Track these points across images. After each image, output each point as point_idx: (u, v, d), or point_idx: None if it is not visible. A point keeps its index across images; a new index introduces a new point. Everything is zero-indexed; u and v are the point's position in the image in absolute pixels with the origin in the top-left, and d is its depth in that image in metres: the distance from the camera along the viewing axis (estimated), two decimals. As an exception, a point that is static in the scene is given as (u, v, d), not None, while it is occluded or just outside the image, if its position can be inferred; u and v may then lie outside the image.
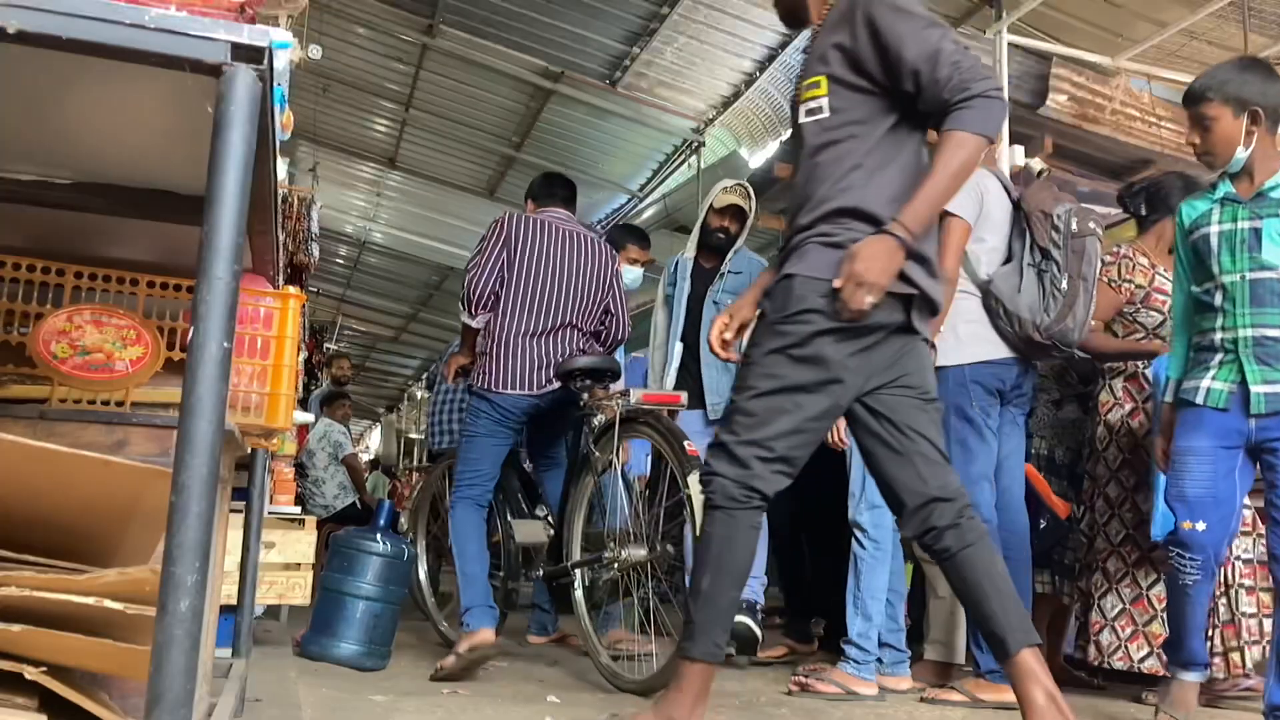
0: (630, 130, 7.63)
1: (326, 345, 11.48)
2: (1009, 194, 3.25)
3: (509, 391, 3.35)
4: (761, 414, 2.07)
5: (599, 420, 3.19)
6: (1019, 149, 4.92)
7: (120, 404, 1.54)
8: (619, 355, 4.04)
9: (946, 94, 1.99)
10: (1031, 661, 1.96)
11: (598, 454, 3.18)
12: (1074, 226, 3.07)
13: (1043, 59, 5.60)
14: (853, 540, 3.26)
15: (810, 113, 2.15)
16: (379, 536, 3.33)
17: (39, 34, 0.95)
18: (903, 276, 2.02)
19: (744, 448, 2.07)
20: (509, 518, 3.58)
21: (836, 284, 1.99)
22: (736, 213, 4.10)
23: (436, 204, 9.65)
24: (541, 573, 3.42)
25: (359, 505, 6.68)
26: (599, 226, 9.16)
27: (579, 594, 3.24)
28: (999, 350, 3.12)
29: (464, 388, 4.18)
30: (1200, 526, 2.57)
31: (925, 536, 2.10)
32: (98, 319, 1.57)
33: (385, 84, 7.78)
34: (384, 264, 11.96)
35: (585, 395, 3.25)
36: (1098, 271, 3.13)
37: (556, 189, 3.74)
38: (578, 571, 3.24)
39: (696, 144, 7.49)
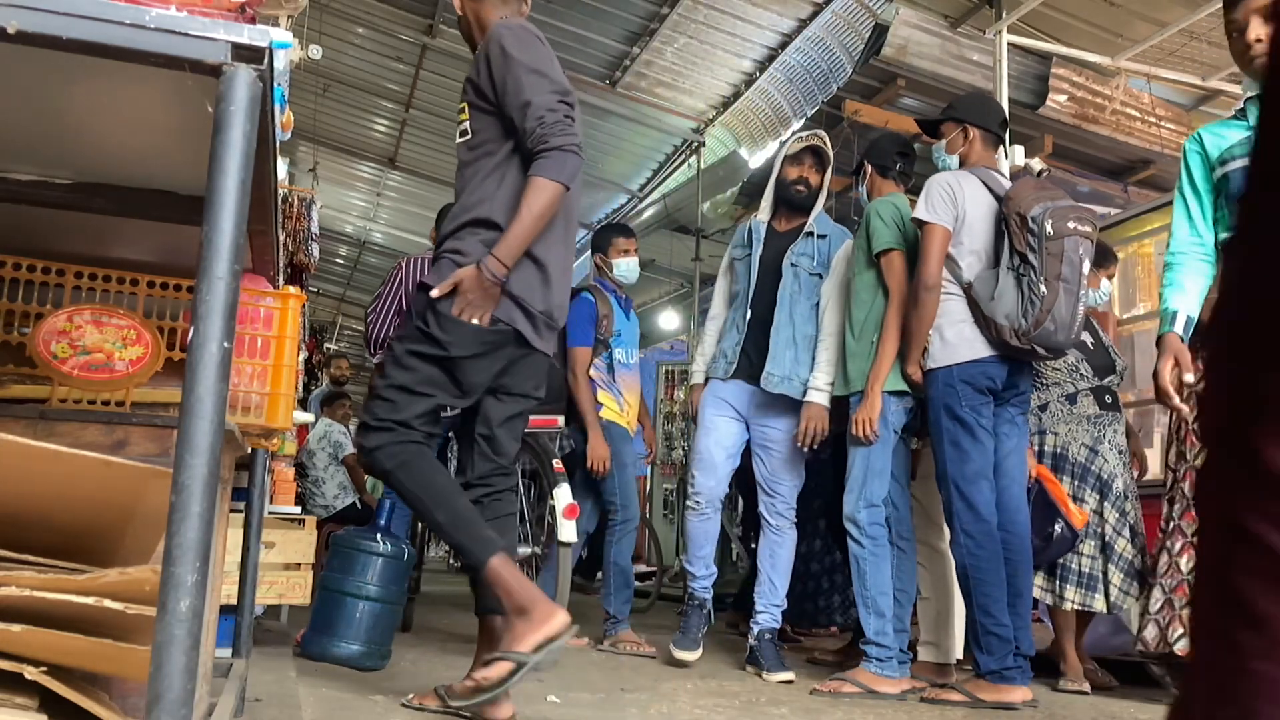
0: (630, 130, 7.62)
1: (326, 345, 11.47)
2: (994, 193, 3.25)
3: None
4: (400, 402, 2.38)
5: None
6: (1019, 149, 4.92)
7: (120, 404, 1.54)
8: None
9: (531, 142, 2.34)
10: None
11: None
12: (1049, 229, 3.02)
13: (1043, 59, 5.60)
14: (849, 540, 3.25)
15: (461, 135, 2.52)
16: (379, 536, 3.33)
17: (39, 34, 0.95)
18: (507, 312, 2.39)
19: (389, 418, 2.37)
20: None
21: (454, 312, 2.35)
22: (816, 161, 3.68)
23: (436, 204, 9.57)
24: (460, 565, 3.74)
25: (359, 505, 6.68)
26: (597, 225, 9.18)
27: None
28: (985, 349, 3.12)
29: None
30: None
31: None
32: (98, 319, 1.57)
33: (385, 84, 7.78)
34: (384, 264, 11.94)
35: None
36: (1083, 270, 3.08)
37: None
38: None
39: (696, 144, 7.49)
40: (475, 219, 2.41)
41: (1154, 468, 4.08)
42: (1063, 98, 5.67)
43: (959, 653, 3.43)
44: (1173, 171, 6.29)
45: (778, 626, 3.57)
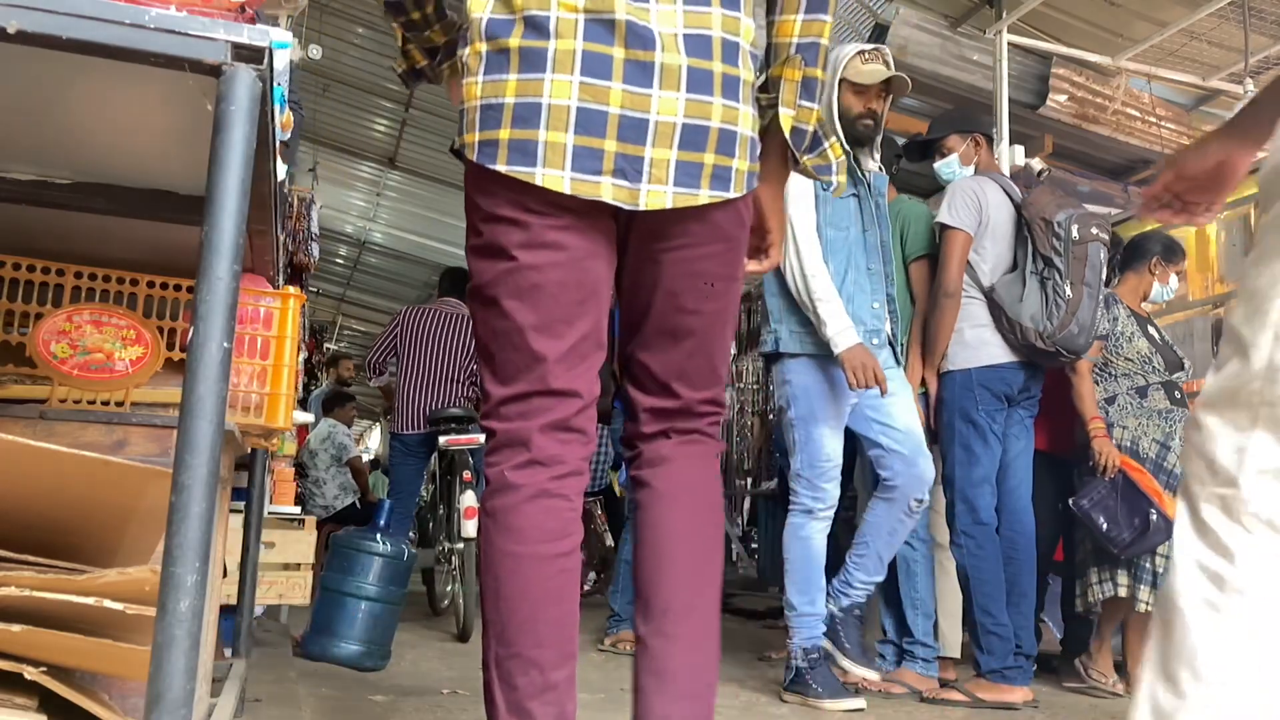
0: (630, 130, 7.61)
1: (326, 345, 11.46)
2: (1011, 198, 3.26)
3: (404, 432, 4.83)
4: None
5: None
6: (1019, 149, 4.92)
7: (120, 404, 1.54)
8: None
9: None
10: None
11: (449, 477, 4.53)
12: (1075, 233, 3.07)
13: (1043, 59, 5.60)
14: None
15: None
16: (379, 537, 3.34)
17: (39, 34, 0.95)
18: None
19: None
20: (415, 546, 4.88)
21: None
22: (882, 86, 2.97)
23: (436, 204, 9.64)
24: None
25: (359, 506, 6.69)
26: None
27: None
28: (1006, 355, 3.13)
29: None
30: None
31: None
32: (98, 319, 1.57)
33: (385, 84, 7.76)
34: (384, 264, 11.94)
35: (443, 437, 4.45)
36: (1102, 274, 3.13)
37: (447, 284, 5.27)
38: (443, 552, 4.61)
39: (696, 144, 7.48)
40: None
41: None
42: (1063, 97, 5.67)
43: (955, 651, 3.43)
44: (1173, 171, 6.29)
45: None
